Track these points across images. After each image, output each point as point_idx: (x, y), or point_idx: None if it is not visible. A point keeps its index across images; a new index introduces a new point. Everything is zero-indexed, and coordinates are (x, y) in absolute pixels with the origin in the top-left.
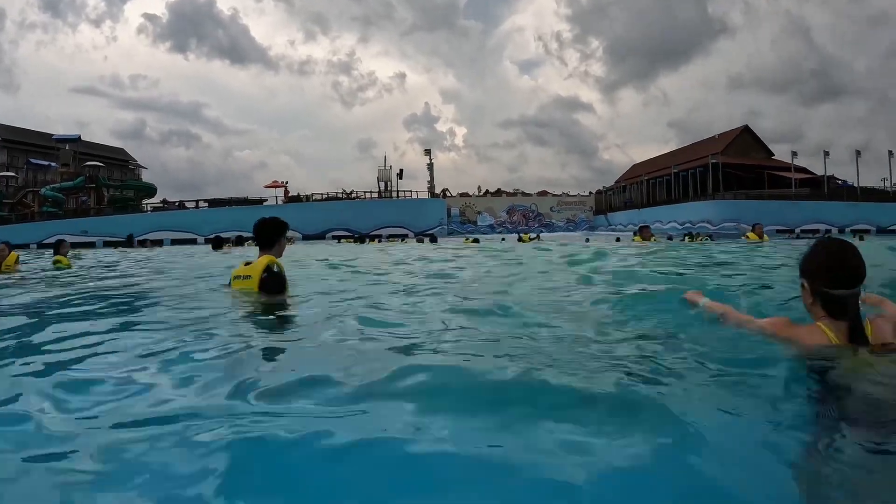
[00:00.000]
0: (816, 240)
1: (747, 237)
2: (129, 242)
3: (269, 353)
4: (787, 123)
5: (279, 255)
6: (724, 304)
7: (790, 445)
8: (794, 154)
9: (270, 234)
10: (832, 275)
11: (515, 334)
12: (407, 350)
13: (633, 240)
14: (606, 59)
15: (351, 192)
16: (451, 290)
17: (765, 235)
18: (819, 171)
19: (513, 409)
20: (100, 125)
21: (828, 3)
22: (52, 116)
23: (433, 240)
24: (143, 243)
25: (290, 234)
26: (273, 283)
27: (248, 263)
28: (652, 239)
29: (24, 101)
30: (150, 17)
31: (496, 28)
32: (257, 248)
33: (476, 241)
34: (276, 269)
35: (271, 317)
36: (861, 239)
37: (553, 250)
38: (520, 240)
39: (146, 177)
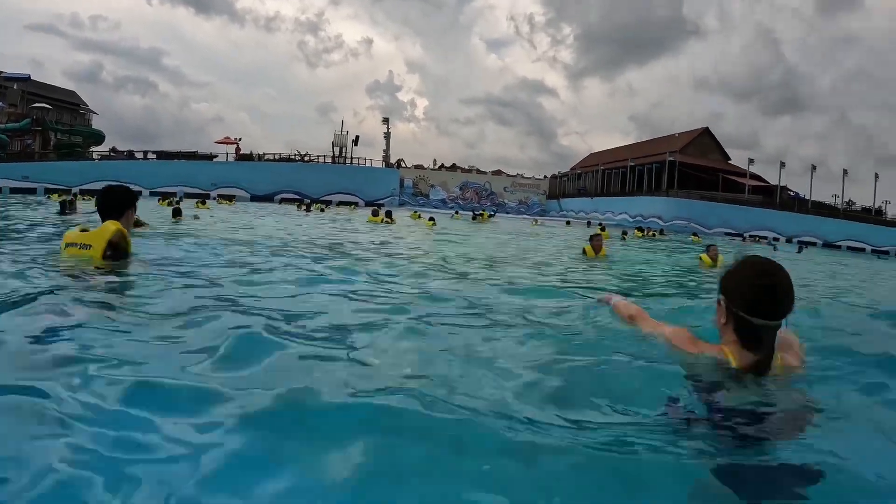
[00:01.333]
0: (745, 256)
1: (701, 259)
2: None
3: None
4: (746, 130)
5: (128, 228)
6: (636, 307)
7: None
8: (751, 161)
9: (121, 200)
10: (755, 300)
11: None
12: None
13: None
14: (576, 47)
15: (305, 155)
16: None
17: (720, 257)
18: (773, 180)
19: None
20: (54, 65)
21: (801, 18)
22: (6, 53)
23: (388, 215)
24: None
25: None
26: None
27: (84, 230)
28: (601, 252)
29: None
30: None
31: (469, 3)
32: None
33: (433, 221)
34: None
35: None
36: (799, 251)
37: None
38: (474, 218)
39: (97, 123)
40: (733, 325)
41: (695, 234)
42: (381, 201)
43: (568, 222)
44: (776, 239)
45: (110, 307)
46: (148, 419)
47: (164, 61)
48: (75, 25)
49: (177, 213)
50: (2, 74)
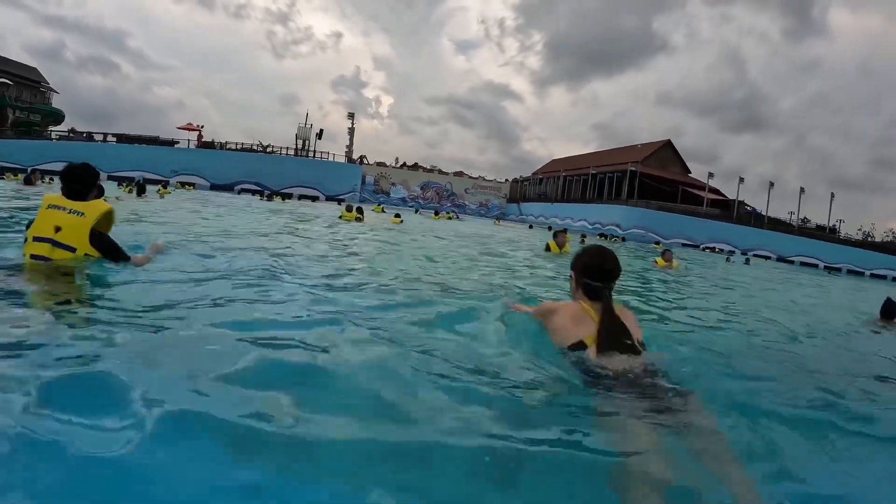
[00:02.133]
0: (586, 245)
1: (657, 262)
2: (27, 180)
3: None
4: (706, 145)
5: None
6: (526, 306)
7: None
8: (711, 175)
9: (89, 180)
10: (592, 272)
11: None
12: None
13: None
14: (544, 54)
15: (267, 146)
16: None
17: (674, 262)
18: (731, 195)
19: None
20: (15, 38)
21: (767, 41)
22: None
23: (360, 211)
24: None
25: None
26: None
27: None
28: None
29: None
30: None
31: (441, 3)
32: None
33: (399, 217)
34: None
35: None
36: (746, 262)
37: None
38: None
39: (56, 102)
40: (582, 289)
41: (657, 243)
42: (342, 196)
43: (530, 226)
44: (731, 252)
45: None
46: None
47: (129, 42)
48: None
49: (141, 190)
50: None
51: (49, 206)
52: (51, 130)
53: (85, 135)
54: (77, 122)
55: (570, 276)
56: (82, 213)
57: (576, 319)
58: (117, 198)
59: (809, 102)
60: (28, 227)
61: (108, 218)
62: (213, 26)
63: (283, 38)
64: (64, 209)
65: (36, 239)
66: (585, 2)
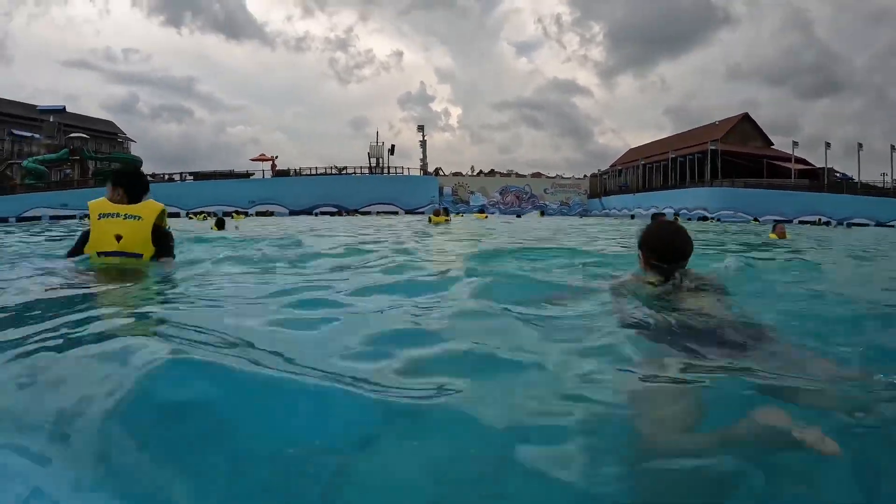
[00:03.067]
0: (654, 221)
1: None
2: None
3: None
4: (782, 114)
5: None
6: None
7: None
8: (795, 144)
9: (144, 183)
10: (660, 252)
11: None
12: None
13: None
14: (606, 44)
15: (343, 169)
16: None
17: (787, 234)
18: (816, 163)
19: None
20: (90, 99)
21: None
22: (43, 89)
23: (447, 214)
24: None
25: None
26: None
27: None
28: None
29: (17, 74)
30: None
31: (494, 8)
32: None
33: (446, 214)
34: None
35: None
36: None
37: None
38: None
39: (135, 150)
40: (650, 269)
41: (772, 233)
42: (421, 209)
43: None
44: (827, 223)
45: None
46: None
47: (198, 87)
48: (109, 59)
49: (220, 224)
50: (37, 108)
51: (101, 216)
52: None
53: (166, 177)
54: (160, 168)
55: (639, 256)
56: (139, 217)
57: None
58: (236, 227)
59: (884, 55)
60: (77, 245)
61: (163, 217)
62: (277, 62)
63: (346, 64)
64: (118, 215)
65: (101, 254)
66: None
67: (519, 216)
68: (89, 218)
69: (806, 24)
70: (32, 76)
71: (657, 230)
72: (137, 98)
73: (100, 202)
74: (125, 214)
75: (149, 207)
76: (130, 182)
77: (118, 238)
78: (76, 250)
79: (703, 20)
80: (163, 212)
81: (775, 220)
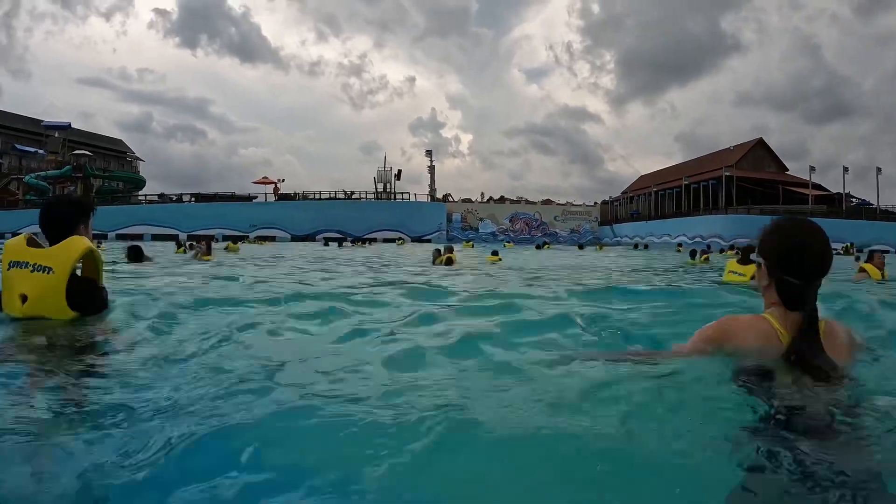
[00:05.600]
0: (780, 217)
1: (863, 270)
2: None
3: None
4: (792, 140)
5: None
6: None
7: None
8: (812, 169)
9: (68, 213)
10: (793, 261)
11: None
12: None
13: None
14: (617, 72)
15: (352, 193)
16: None
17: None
18: (831, 188)
19: None
20: (105, 117)
21: (838, 21)
22: (59, 105)
23: (450, 252)
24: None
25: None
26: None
27: (33, 243)
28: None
29: (33, 90)
30: (160, 13)
31: (506, 35)
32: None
33: (497, 255)
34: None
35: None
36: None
37: None
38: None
39: (146, 169)
40: (776, 287)
41: (866, 264)
42: (428, 237)
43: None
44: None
45: None
46: None
47: (211, 109)
48: (123, 78)
49: (135, 254)
50: (42, 123)
51: (11, 265)
52: (136, 195)
53: (175, 198)
54: (171, 188)
55: (760, 266)
56: (49, 269)
57: (760, 338)
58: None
59: (892, 77)
60: None
61: (92, 262)
62: (290, 86)
63: (360, 89)
64: (25, 264)
65: (12, 319)
66: (650, 13)
67: (539, 247)
68: None
69: (814, 49)
70: (48, 92)
71: (788, 229)
72: (151, 117)
73: (15, 244)
74: (34, 265)
75: (66, 250)
76: (46, 214)
77: (23, 299)
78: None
79: (712, 47)
80: (88, 254)
81: (871, 250)
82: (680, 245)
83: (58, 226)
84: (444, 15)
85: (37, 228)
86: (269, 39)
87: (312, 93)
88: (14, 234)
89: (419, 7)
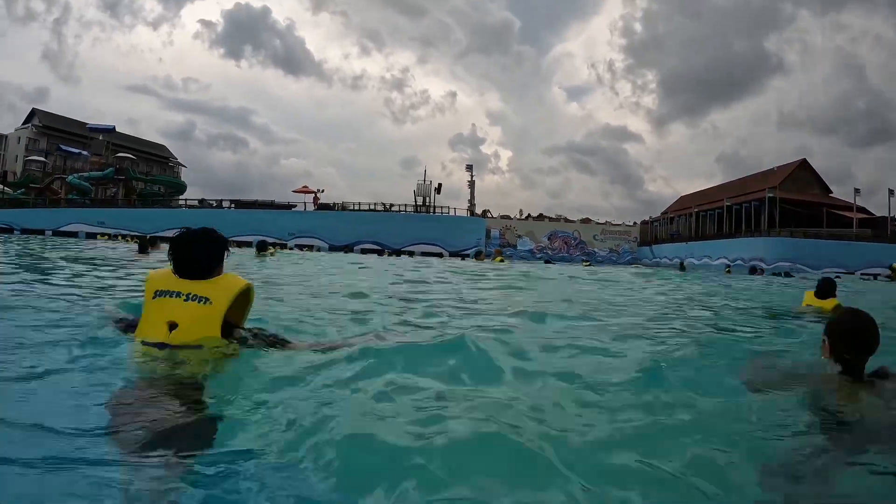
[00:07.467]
0: (846, 309)
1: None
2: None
3: None
4: (835, 163)
5: None
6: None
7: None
8: (857, 192)
9: (214, 251)
10: (851, 344)
11: None
12: None
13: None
14: (659, 92)
15: (391, 206)
16: None
17: None
18: (875, 212)
19: None
20: (150, 124)
21: (882, 43)
22: (104, 111)
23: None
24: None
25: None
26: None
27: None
28: None
29: (81, 95)
30: (206, 24)
31: (547, 53)
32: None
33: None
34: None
35: None
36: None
37: None
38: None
39: (187, 176)
40: (835, 359)
41: None
42: (466, 252)
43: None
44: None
45: None
46: None
47: (254, 119)
48: (168, 87)
49: (262, 247)
50: (87, 126)
51: (157, 294)
52: (178, 199)
53: (215, 203)
54: (212, 195)
55: (824, 341)
56: (207, 300)
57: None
58: (271, 254)
59: None
60: (126, 326)
61: (245, 300)
62: (333, 98)
63: (402, 104)
64: (178, 294)
65: (146, 344)
66: (693, 32)
67: (549, 262)
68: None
69: (858, 70)
70: (95, 98)
71: (851, 320)
72: (195, 125)
73: (162, 274)
74: (188, 294)
75: (226, 283)
76: (184, 249)
77: (172, 326)
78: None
79: (756, 68)
80: (246, 292)
81: None
82: (729, 267)
83: (210, 259)
84: (486, 32)
85: (75, 227)
86: (313, 52)
87: (354, 106)
88: (55, 232)
89: (462, 24)
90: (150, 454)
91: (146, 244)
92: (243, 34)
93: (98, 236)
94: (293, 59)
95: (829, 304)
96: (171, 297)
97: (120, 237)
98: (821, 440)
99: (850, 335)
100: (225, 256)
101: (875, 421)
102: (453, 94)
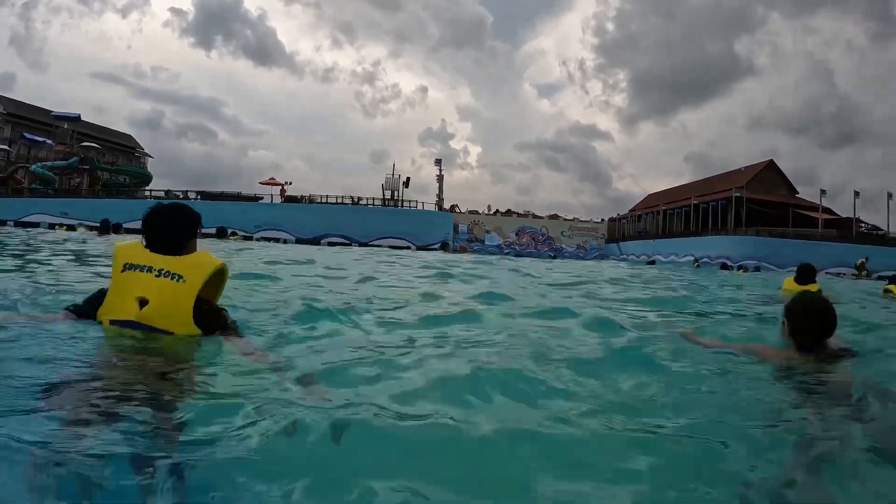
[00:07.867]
0: (805, 294)
1: (888, 291)
2: (103, 229)
3: None
4: (803, 165)
5: None
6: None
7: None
8: (823, 193)
9: (188, 225)
10: (806, 327)
11: None
12: None
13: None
14: (630, 91)
15: (359, 199)
16: None
17: None
18: (840, 213)
19: None
20: (117, 113)
21: (852, 48)
22: (69, 99)
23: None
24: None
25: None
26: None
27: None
28: None
29: (48, 82)
30: (176, 12)
31: (519, 49)
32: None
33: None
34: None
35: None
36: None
37: None
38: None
39: (155, 166)
40: (793, 340)
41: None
42: (433, 246)
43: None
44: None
45: None
46: None
47: (223, 110)
48: (137, 75)
49: (222, 232)
50: (51, 114)
51: (126, 268)
52: (143, 190)
53: (180, 195)
54: (179, 186)
55: (783, 323)
56: (180, 277)
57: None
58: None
59: None
60: (87, 304)
61: (218, 280)
62: (303, 91)
63: (372, 97)
64: (149, 269)
65: (114, 323)
66: (664, 34)
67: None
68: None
69: (827, 75)
70: (62, 85)
71: (809, 306)
72: (163, 115)
73: (132, 246)
74: (161, 270)
75: (199, 262)
76: (169, 219)
77: (142, 303)
78: (84, 310)
79: (726, 69)
80: (220, 271)
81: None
82: (697, 261)
83: (181, 234)
84: (460, 26)
85: (38, 218)
86: (285, 44)
87: (325, 99)
88: (17, 223)
89: (437, 18)
90: (117, 441)
91: (108, 226)
92: (215, 23)
93: (56, 227)
94: (264, 51)
95: (811, 289)
96: (141, 271)
97: (83, 228)
98: (777, 415)
99: (807, 316)
100: (197, 233)
101: (828, 392)
102: (424, 90)
